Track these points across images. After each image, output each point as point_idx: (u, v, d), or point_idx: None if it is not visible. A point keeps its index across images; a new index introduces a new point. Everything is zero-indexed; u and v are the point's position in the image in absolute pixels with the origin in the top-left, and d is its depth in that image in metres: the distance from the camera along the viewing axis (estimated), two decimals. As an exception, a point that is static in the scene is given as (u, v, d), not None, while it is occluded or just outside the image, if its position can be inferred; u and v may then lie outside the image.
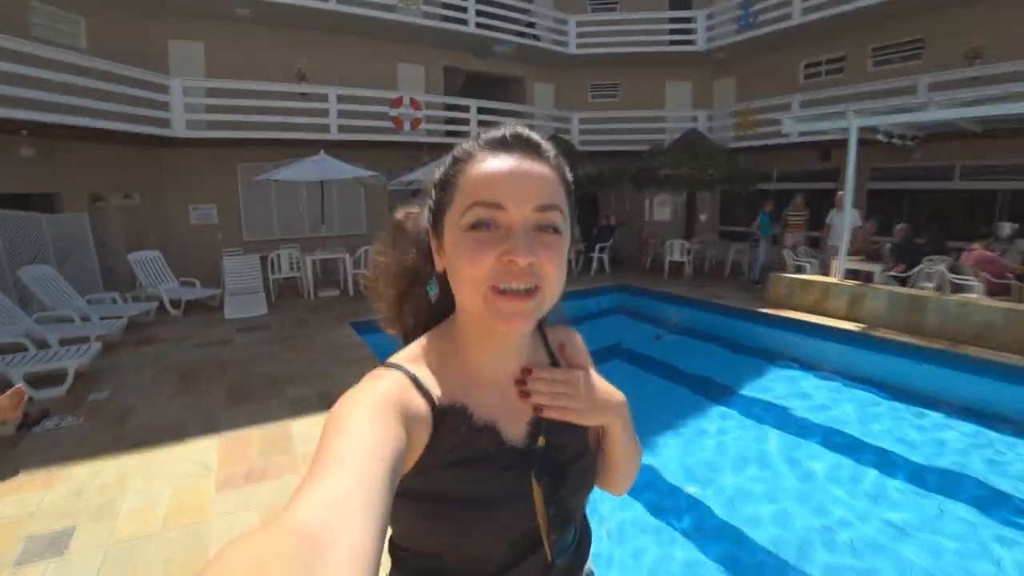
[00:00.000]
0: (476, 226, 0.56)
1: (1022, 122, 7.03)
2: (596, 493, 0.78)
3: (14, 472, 3.00)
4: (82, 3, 7.95)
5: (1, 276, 5.92)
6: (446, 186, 0.61)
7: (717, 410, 4.55)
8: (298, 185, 9.35)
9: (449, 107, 11.43)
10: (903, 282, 7.00)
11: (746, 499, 3.18)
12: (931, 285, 6.76)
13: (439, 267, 0.64)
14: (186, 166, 9.22)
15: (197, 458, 3.12)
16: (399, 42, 11.10)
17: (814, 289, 7.05)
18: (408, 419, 0.54)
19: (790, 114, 9.90)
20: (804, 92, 10.84)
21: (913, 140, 8.42)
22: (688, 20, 12.64)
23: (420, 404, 0.57)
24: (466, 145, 0.62)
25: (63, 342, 4.84)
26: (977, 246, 6.85)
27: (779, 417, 4.42)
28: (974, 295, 6.20)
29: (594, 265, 10.30)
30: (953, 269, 6.85)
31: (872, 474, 3.43)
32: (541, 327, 0.75)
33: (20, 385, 3.15)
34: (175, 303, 7.31)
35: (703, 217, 13.20)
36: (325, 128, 9.55)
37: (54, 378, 4.23)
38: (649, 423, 4.01)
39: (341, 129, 9.65)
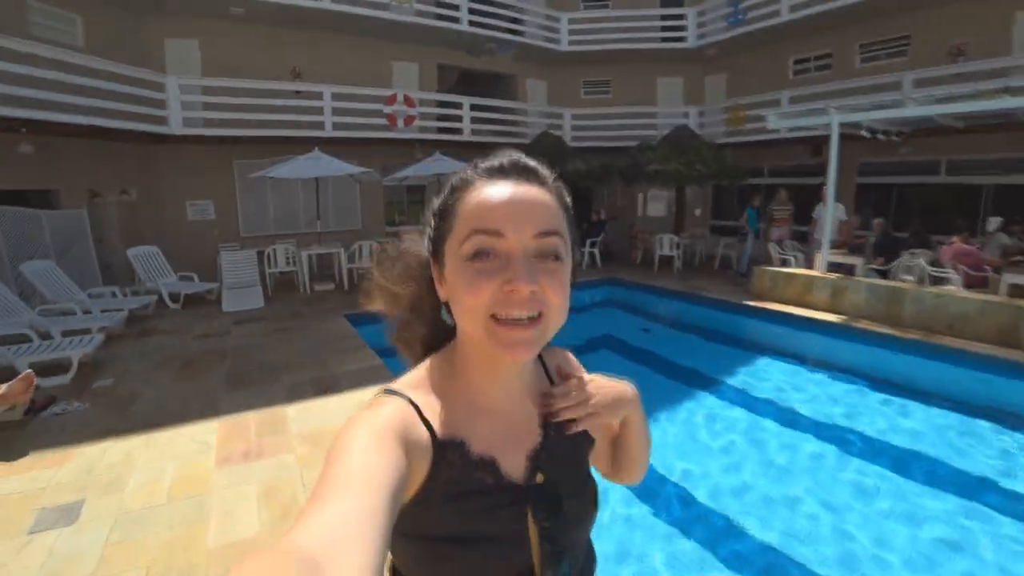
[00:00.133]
0: (476, 255, 0.56)
1: (1002, 118, 7.23)
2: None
3: (24, 452, 3.17)
4: (79, 2, 8.06)
5: (1, 271, 6.07)
6: (445, 215, 0.61)
7: (701, 398, 4.75)
8: (294, 181, 9.50)
9: (442, 104, 11.57)
10: (883, 275, 7.20)
11: (727, 481, 3.37)
12: (912, 278, 6.96)
13: (441, 296, 0.63)
14: (183, 163, 9.35)
15: (198, 438, 3.31)
16: (393, 40, 11.22)
17: (797, 282, 7.25)
18: (409, 447, 0.54)
19: (779, 110, 10.10)
20: (793, 88, 11.02)
21: (898, 136, 8.61)
22: (679, 17, 12.78)
23: (421, 433, 0.58)
24: (464, 173, 0.62)
25: (66, 333, 5.00)
26: (956, 240, 7.05)
27: (761, 405, 4.62)
28: (952, 287, 6.41)
29: (585, 259, 10.49)
30: (934, 262, 7.05)
31: (848, 459, 3.63)
32: (540, 354, 0.74)
33: (29, 371, 3.33)
34: (174, 297, 7.47)
35: (697, 212, 13.42)
36: (320, 125, 9.69)
37: (59, 367, 4.40)
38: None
39: (336, 126, 9.79)
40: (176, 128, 8.51)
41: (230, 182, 9.92)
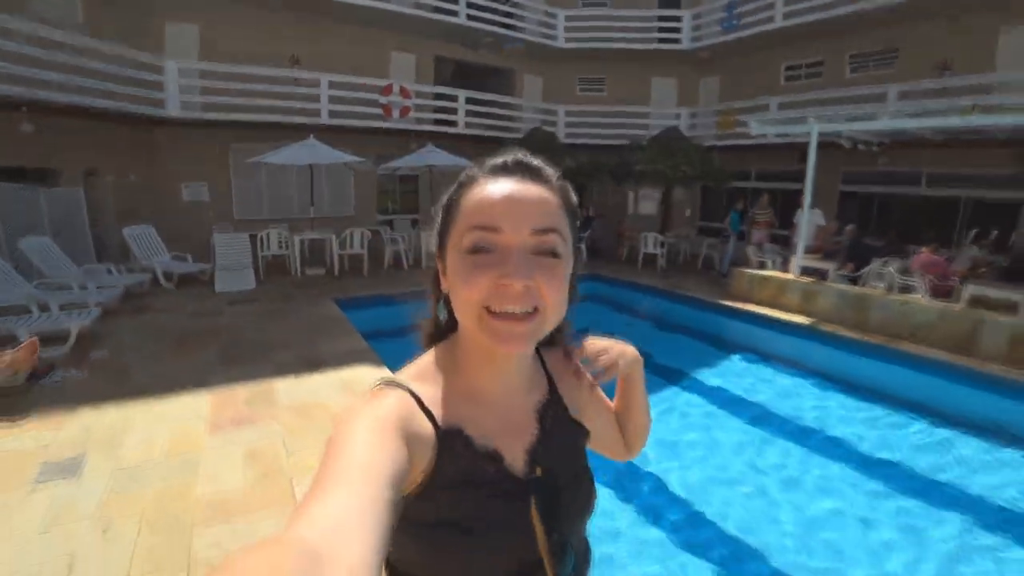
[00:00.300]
0: (474, 250, 0.57)
1: (977, 134, 7.52)
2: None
3: (27, 414, 3.41)
4: (81, -18, 8.17)
5: None
6: (450, 209, 0.63)
7: (674, 392, 5.03)
8: (288, 167, 9.66)
9: (438, 96, 11.74)
10: (854, 281, 7.49)
11: (697, 472, 3.64)
12: (883, 285, 7.25)
13: (444, 288, 0.65)
14: (179, 145, 9.50)
15: (191, 407, 3.56)
16: (391, 31, 11.38)
17: (771, 284, 7.54)
18: (410, 439, 0.54)
19: (766, 115, 10.37)
20: (785, 94, 11.27)
21: (878, 146, 8.89)
22: (675, 19, 12.98)
23: (423, 425, 0.58)
24: (470, 170, 0.64)
25: (63, 307, 5.21)
26: (925, 250, 7.34)
27: (730, 400, 4.93)
28: (917, 295, 6.71)
29: (572, 255, 10.74)
30: (904, 271, 7.35)
31: (794, 448, 3.94)
32: (538, 350, 0.76)
33: (34, 338, 3.55)
34: (168, 276, 7.66)
35: (688, 212, 13.71)
36: (316, 113, 9.86)
37: (57, 338, 4.60)
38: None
39: (332, 114, 9.97)
40: (174, 111, 8.66)
41: (226, 166, 10.07)
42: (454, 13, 11.28)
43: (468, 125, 11.63)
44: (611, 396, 0.89)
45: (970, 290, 6.52)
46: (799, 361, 5.99)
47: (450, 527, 0.59)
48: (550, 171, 0.64)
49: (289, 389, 3.91)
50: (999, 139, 7.82)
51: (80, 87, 7.20)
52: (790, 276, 7.54)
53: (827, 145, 8.50)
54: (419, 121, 11.22)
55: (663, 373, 5.46)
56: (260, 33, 10.08)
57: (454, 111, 11.56)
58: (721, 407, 4.78)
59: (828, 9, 10.17)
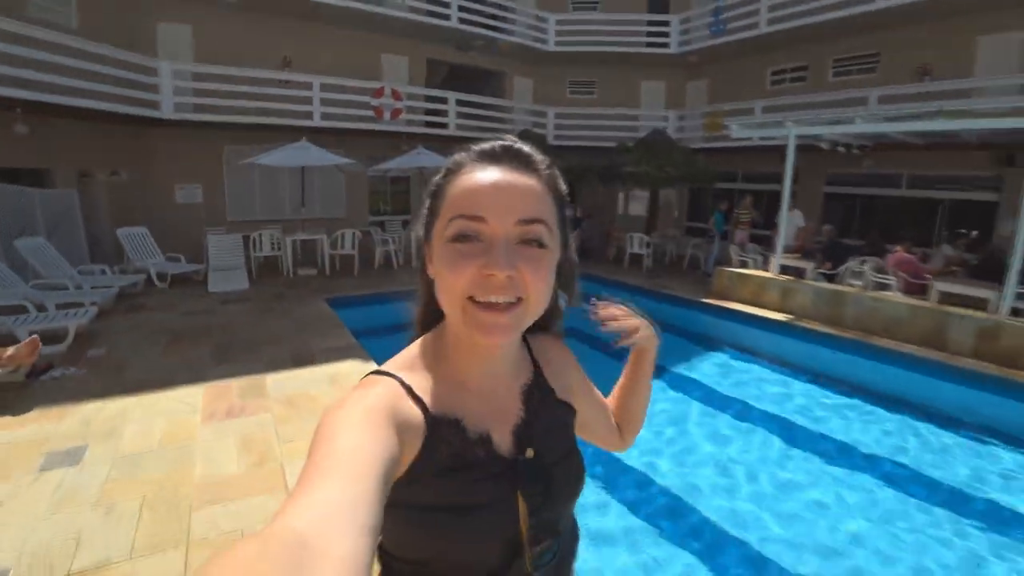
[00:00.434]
0: (459, 238, 0.57)
1: (950, 137, 7.77)
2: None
3: (29, 409, 3.56)
4: (74, -15, 8.28)
5: (-6, 246, 6.36)
6: (436, 195, 0.62)
7: (656, 387, 5.22)
8: (280, 169, 9.79)
9: (429, 99, 11.91)
10: (830, 279, 7.74)
11: (677, 462, 3.81)
12: (860, 283, 7.50)
13: (430, 275, 0.64)
14: (173, 146, 9.61)
15: (186, 400, 3.73)
16: (383, 34, 11.54)
17: (752, 283, 7.77)
18: (400, 427, 0.54)
19: (752, 119, 10.60)
20: (770, 98, 11.53)
21: (860, 149, 9.15)
22: (664, 23, 13.22)
23: (413, 412, 0.58)
24: (458, 156, 0.63)
25: (59, 306, 5.35)
26: (899, 249, 7.60)
27: (709, 393, 5.14)
28: (890, 292, 6.96)
29: (560, 254, 10.94)
30: (881, 269, 7.60)
31: (787, 445, 4.12)
32: (525, 336, 0.75)
33: (35, 336, 3.70)
34: (161, 276, 7.79)
35: (675, 214, 13.95)
36: (308, 115, 10.01)
37: (55, 337, 4.74)
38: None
39: (324, 116, 10.12)
40: (168, 113, 8.78)
41: (219, 167, 10.19)
42: (446, 16, 11.46)
43: (459, 127, 11.80)
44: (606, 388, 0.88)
45: (940, 287, 6.78)
46: (777, 356, 6.21)
47: (442, 511, 0.59)
48: (539, 158, 0.63)
49: (280, 382, 4.08)
50: (973, 143, 8.10)
51: (74, 89, 7.31)
52: (770, 274, 7.77)
53: (812, 148, 8.75)
54: (410, 123, 11.38)
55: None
56: (252, 35, 10.21)
57: (445, 113, 11.73)
58: (701, 400, 4.98)
59: (811, 15, 10.42)
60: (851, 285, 7.38)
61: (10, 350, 3.60)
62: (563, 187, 0.66)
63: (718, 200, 11.20)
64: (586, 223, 11.63)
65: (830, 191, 11.23)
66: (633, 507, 3.28)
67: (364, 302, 7.16)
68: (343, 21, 10.87)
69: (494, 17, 12.40)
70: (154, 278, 7.67)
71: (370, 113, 10.58)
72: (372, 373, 0.63)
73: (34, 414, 3.48)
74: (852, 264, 7.70)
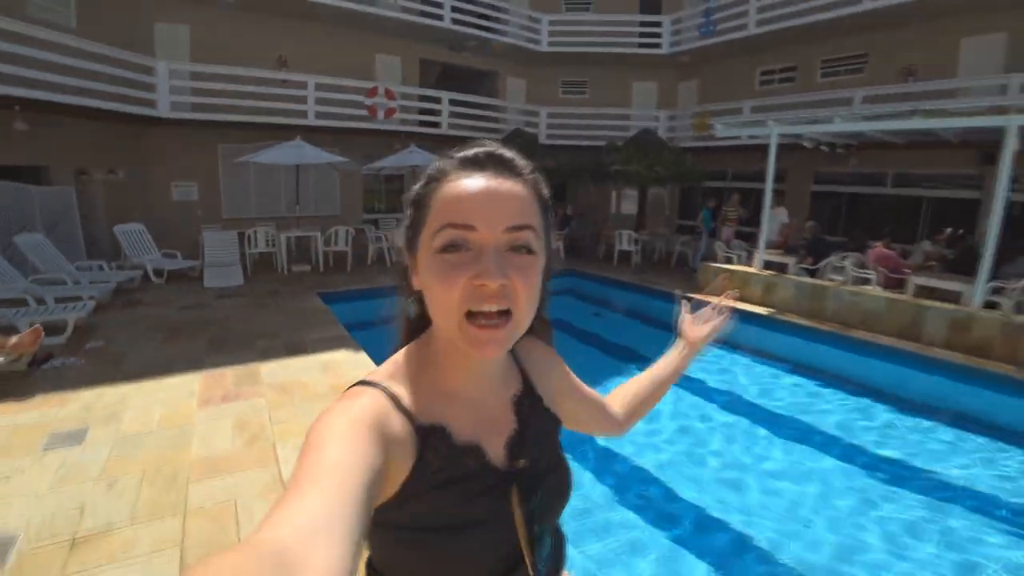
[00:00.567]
0: (448, 248, 0.56)
1: (935, 136, 7.98)
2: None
3: (31, 395, 3.72)
4: (72, -14, 8.41)
5: (-6, 242, 6.50)
6: (420, 205, 0.61)
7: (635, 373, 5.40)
8: (275, 167, 9.94)
9: (423, 98, 12.07)
10: (812, 274, 7.94)
11: (661, 451, 3.96)
12: (841, 278, 7.70)
13: (414, 285, 0.64)
14: (170, 145, 9.73)
15: (183, 387, 3.90)
16: (377, 34, 11.70)
17: (735, 278, 7.96)
18: (386, 439, 0.54)
19: (738, 118, 10.80)
20: (760, 98, 11.72)
21: (844, 148, 9.35)
22: (655, 24, 13.40)
23: (401, 425, 0.57)
24: (440, 163, 0.62)
25: (58, 300, 5.50)
26: (878, 245, 7.81)
27: (692, 384, 5.28)
28: (869, 287, 7.16)
29: (551, 251, 11.14)
30: (862, 264, 7.80)
31: (768, 432, 4.33)
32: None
33: (38, 325, 3.86)
34: (158, 272, 7.93)
35: (668, 212, 14.16)
36: (303, 114, 10.16)
37: (55, 329, 4.88)
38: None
39: (318, 115, 10.27)
40: (165, 111, 8.92)
41: (214, 165, 10.33)
42: (439, 17, 11.62)
43: (452, 126, 11.97)
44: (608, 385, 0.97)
45: (916, 281, 6.98)
46: (759, 348, 6.40)
47: (435, 531, 0.58)
48: (522, 163, 0.63)
49: (273, 371, 4.26)
50: (955, 142, 8.31)
51: (73, 87, 7.44)
52: (753, 269, 7.97)
53: (799, 147, 8.95)
54: (404, 122, 11.55)
55: (631, 359, 5.84)
56: (249, 35, 10.35)
57: (438, 112, 11.90)
58: (685, 390, 5.14)
59: (799, 17, 10.61)
60: (832, 280, 7.58)
61: (14, 338, 3.75)
62: (546, 191, 0.66)
63: (707, 198, 11.41)
64: (576, 221, 11.81)
65: (818, 189, 11.44)
66: (617, 492, 3.41)
67: (356, 296, 7.34)
68: (338, 21, 11.02)
69: (487, 18, 12.56)
70: (151, 274, 7.81)
71: (364, 112, 10.74)
72: (358, 383, 0.62)
73: (36, 400, 3.64)
74: (833, 259, 7.90)
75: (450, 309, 0.56)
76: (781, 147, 9.98)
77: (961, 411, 4.72)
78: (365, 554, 0.58)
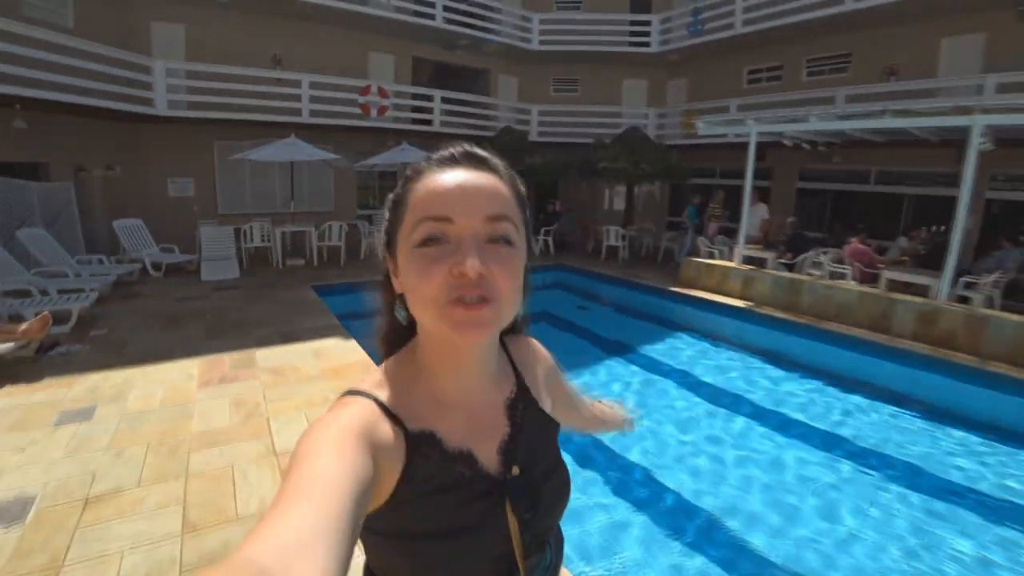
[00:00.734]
0: (426, 242, 0.55)
1: (910, 134, 8.24)
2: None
3: (41, 379, 3.97)
4: (70, -14, 8.59)
5: (-3, 236, 6.71)
6: (397, 205, 0.61)
7: (622, 367, 5.67)
8: (271, 164, 10.15)
9: (415, 96, 12.28)
10: (790, 268, 8.22)
11: (644, 439, 4.11)
12: (819, 272, 7.98)
13: (397, 289, 0.63)
14: (166, 142, 9.94)
15: (183, 370, 4.16)
16: (371, 33, 11.89)
17: (716, 272, 8.25)
18: (377, 448, 0.53)
19: (723, 116, 11.06)
20: (746, 96, 11.96)
21: (826, 146, 9.62)
22: (645, 23, 13.61)
23: (391, 433, 0.56)
24: (416, 165, 0.62)
25: (61, 292, 5.73)
26: (854, 240, 8.09)
27: (674, 374, 5.56)
28: (843, 281, 7.44)
29: (539, 247, 11.40)
30: (840, 259, 8.08)
31: (746, 420, 4.53)
32: (504, 344, 0.75)
33: (46, 313, 4.09)
34: (156, 266, 8.16)
35: (659, 209, 14.42)
36: (297, 112, 10.37)
37: (59, 318, 5.11)
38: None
39: (312, 113, 10.48)
40: (162, 109, 9.12)
41: (210, 162, 10.54)
42: (431, 16, 11.82)
43: (444, 124, 12.20)
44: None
45: (888, 275, 7.27)
46: (738, 340, 6.68)
47: (428, 538, 0.58)
48: (497, 161, 0.63)
49: (268, 356, 4.53)
50: (934, 140, 8.58)
51: (71, 86, 7.63)
52: (732, 264, 8.25)
53: (784, 145, 9.19)
54: (397, 120, 11.76)
55: (617, 350, 6.12)
56: (244, 34, 10.54)
57: (431, 110, 12.12)
58: (667, 380, 5.38)
59: (784, 16, 10.85)
60: (810, 274, 7.86)
61: (23, 325, 3.99)
62: (523, 189, 0.66)
63: (693, 195, 11.67)
64: (565, 216, 12.06)
65: (803, 186, 11.71)
66: (605, 482, 3.53)
67: (348, 289, 7.61)
68: (331, 21, 11.21)
69: (479, 17, 12.77)
70: (149, 267, 8.04)
71: (357, 110, 10.96)
72: (347, 393, 0.61)
73: (46, 383, 3.89)
74: (811, 255, 8.19)
75: (430, 301, 0.55)
76: (767, 145, 10.27)
77: (926, 399, 4.92)
78: (363, 558, 0.62)
